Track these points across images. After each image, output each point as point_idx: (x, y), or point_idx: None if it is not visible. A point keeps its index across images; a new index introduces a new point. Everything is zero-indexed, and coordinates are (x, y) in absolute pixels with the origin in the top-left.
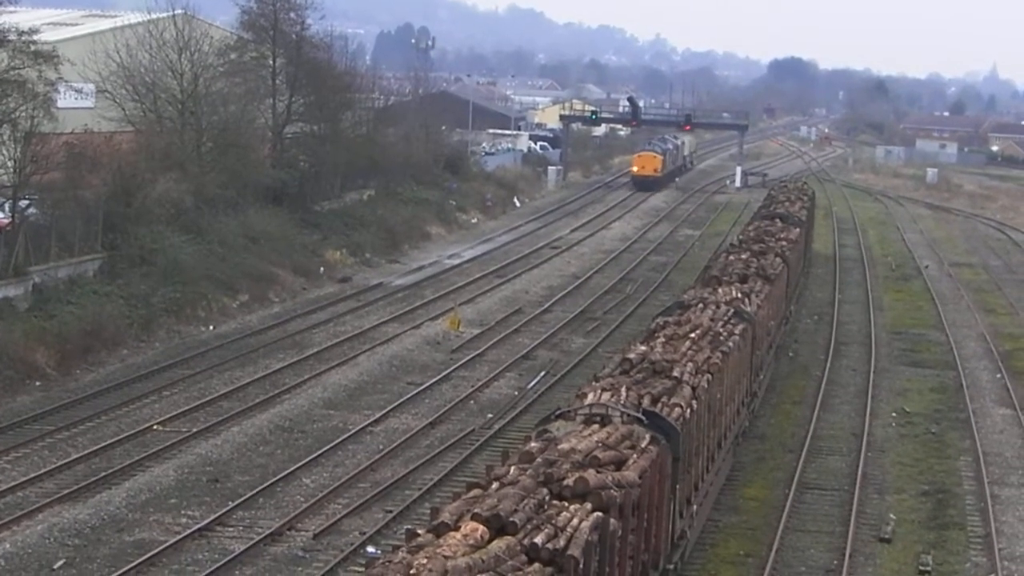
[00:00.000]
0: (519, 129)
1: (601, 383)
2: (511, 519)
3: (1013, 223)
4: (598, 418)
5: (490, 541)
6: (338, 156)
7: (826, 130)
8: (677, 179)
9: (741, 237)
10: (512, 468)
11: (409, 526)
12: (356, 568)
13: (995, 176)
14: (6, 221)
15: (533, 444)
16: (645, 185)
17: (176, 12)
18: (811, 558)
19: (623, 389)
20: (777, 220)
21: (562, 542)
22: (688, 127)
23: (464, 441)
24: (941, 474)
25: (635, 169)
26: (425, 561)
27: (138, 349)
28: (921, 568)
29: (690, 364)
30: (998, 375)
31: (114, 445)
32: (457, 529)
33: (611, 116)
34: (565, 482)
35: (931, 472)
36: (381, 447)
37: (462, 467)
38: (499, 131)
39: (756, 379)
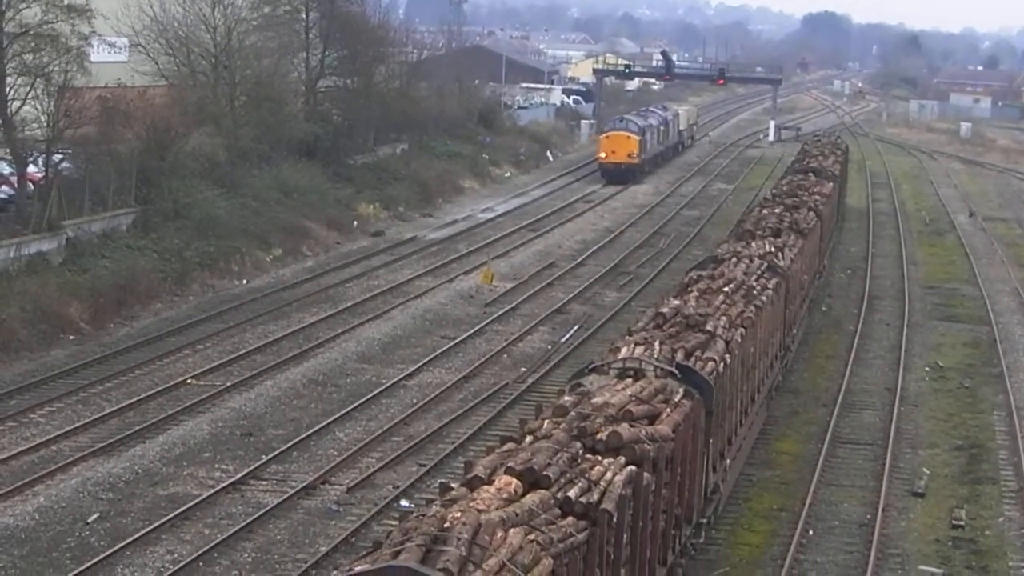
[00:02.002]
0: (552, 83)
1: (634, 337)
2: (545, 473)
3: None
4: (631, 372)
5: (524, 495)
6: (371, 110)
7: (859, 84)
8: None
9: (774, 191)
10: (546, 422)
11: (443, 480)
12: (390, 522)
13: None
14: (40, 175)
15: (567, 398)
16: (616, 176)
17: None
18: (844, 512)
19: (656, 343)
20: (810, 174)
21: (595, 496)
22: (721, 81)
23: (498, 395)
24: (974, 429)
25: (602, 155)
26: (459, 515)
27: (172, 303)
28: (954, 522)
29: (723, 318)
30: None
31: (148, 399)
32: (491, 483)
33: (644, 70)
34: (599, 436)
35: (964, 427)
36: (414, 401)
37: (495, 421)
38: (532, 85)
39: (789, 333)
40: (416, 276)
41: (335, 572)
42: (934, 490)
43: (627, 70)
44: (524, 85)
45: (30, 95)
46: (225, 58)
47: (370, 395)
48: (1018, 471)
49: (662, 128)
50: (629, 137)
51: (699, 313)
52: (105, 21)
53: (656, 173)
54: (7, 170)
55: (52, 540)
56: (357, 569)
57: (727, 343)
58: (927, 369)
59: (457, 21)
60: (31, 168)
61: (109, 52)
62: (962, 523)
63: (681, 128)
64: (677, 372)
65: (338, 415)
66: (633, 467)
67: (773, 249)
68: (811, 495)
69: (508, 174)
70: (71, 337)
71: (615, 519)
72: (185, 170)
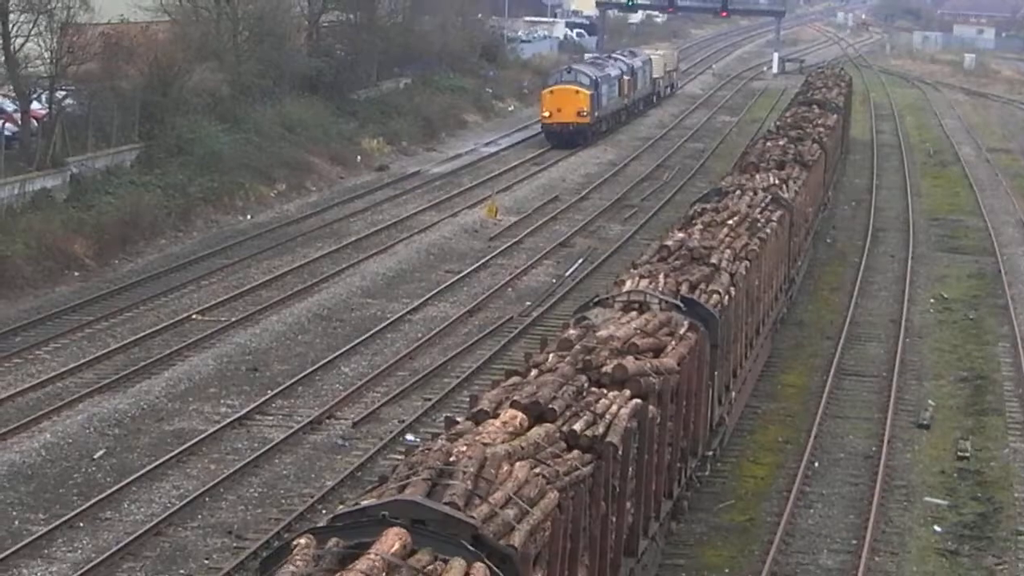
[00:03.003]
0: (555, 16)
1: (639, 270)
2: (550, 406)
3: None
4: (636, 305)
5: (529, 428)
6: (374, 44)
7: (863, 16)
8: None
9: (778, 123)
10: (551, 355)
11: (448, 414)
12: (395, 456)
13: None
14: (43, 112)
15: (571, 331)
16: (563, 139)
17: None
18: (850, 444)
19: (661, 276)
20: (814, 106)
21: (601, 429)
22: (724, 13)
23: (502, 329)
24: (979, 360)
25: (545, 114)
26: (464, 448)
27: (176, 239)
28: (960, 454)
29: (728, 251)
30: None
31: (153, 335)
32: (496, 416)
33: (647, 3)
34: (604, 369)
35: (969, 358)
36: (419, 335)
37: (500, 355)
38: (535, 19)
39: (794, 265)
40: (420, 210)
41: (341, 506)
42: (939, 422)
43: (630, 3)
44: (527, 19)
45: (33, 32)
46: None
47: (375, 330)
48: (1023, 402)
49: (626, 79)
50: (578, 92)
51: (704, 246)
52: None
53: (615, 135)
54: (10, 107)
55: (59, 476)
56: (363, 503)
57: (732, 276)
58: (932, 301)
59: None
60: (34, 105)
61: None
62: (967, 454)
63: (655, 76)
64: (682, 305)
65: (343, 350)
66: (638, 400)
67: (777, 181)
68: (816, 427)
69: (511, 108)
70: (76, 274)
71: (620, 452)
72: (188, 106)
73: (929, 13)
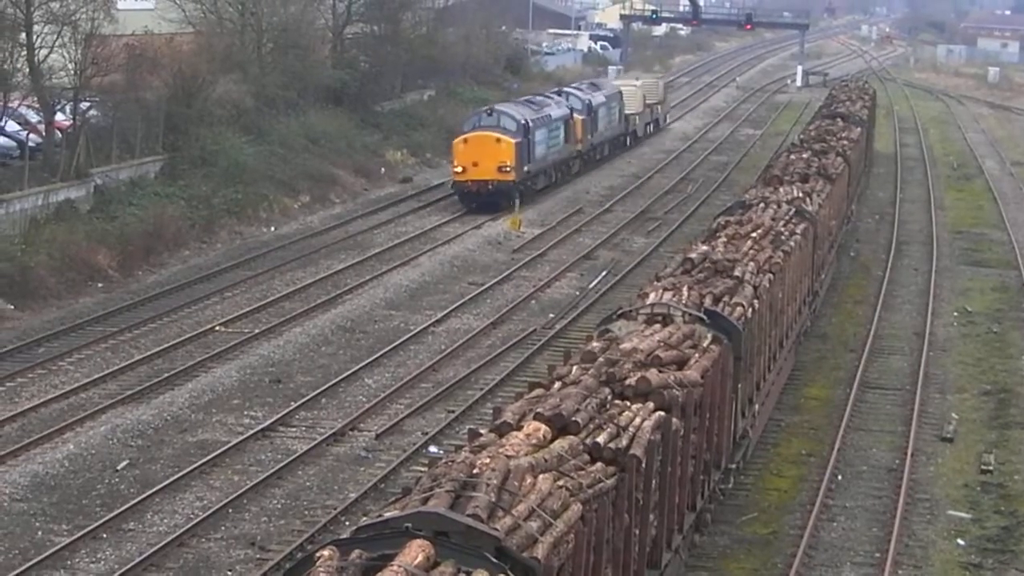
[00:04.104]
0: (579, 29)
1: (663, 282)
2: (573, 418)
3: None
4: (660, 317)
5: (552, 440)
6: (398, 56)
7: (887, 29)
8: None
9: (802, 136)
10: (574, 368)
11: (471, 426)
12: (419, 468)
13: None
14: (67, 123)
15: (595, 344)
16: (480, 200)
17: None
18: (873, 457)
19: (685, 288)
20: (838, 119)
21: (624, 441)
22: (749, 26)
23: (526, 341)
24: (1003, 373)
25: (457, 169)
26: (488, 460)
27: (200, 250)
28: (983, 467)
29: (752, 263)
30: None
31: (176, 346)
32: (519, 428)
33: (671, 15)
34: (627, 381)
35: (993, 371)
36: (443, 347)
37: (524, 367)
38: (559, 31)
39: (817, 278)
40: (444, 222)
41: (364, 518)
42: (963, 435)
43: (654, 16)
44: (551, 31)
45: (57, 43)
46: (252, 5)
47: (398, 341)
48: None
49: (579, 119)
50: (499, 140)
51: (727, 258)
52: None
53: (552, 194)
54: (35, 118)
55: (82, 487)
56: (387, 515)
57: (755, 288)
58: (955, 314)
59: None
60: (59, 116)
61: (136, 0)
62: (991, 468)
63: (630, 112)
64: (705, 317)
65: (366, 361)
66: (662, 412)
67: (801, 194)
68: (840, 440)
69: None
70: (99, 285)
71: (644, 465)
72: (212, 117)
73: (953, 26)
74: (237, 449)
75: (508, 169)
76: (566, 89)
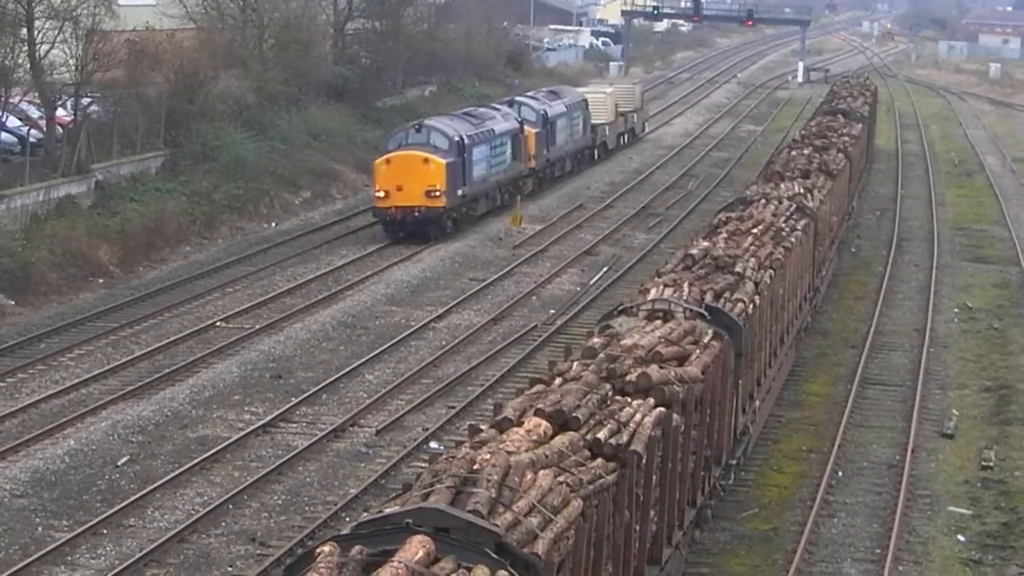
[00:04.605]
0: (581, 25)
1: (663, 278)
2: (574, 414)
3: None
4: (661, 313)
5: (553, 436)
6: (399, 52)
7: (888, 25)
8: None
9: (803, 132)
10: (575, 364)
11: (472, 422)
12: (419, 463)
13: None
14: (68, 119)
15: (596, 340)
16: (408, 231)
17: None
18: (873, 453)
19: (685, 284)
20: (839, 115)
21: (625, 437)
22: (750, 22)
23: (526, 337)
24: (1003, 370)
25: (380, 194)
26: (488, 456)
27: (201, 246)
28: (984, 463)
29: (752, 259)
30: None
31: (177, 342)
32: (520, 424)
33: (673, 11)
34: (628, 377)
35: (993, 368)
36: (443, 343)
37: (524, 363)
38: (561, 27)
39: (818, 274)
40: None
41: (365, 514)
42: (963, 431)
43: (655, 12)
44: (553, 27)
45: (58, 39)
46: (253, 1)
47: (399, 337)
48: None
49: (534, 132)
50: (427, 160)
51: (728, 254)
52: None
53: (551, 195)
54: (36, 114)
55: (82, 483)
56: (387, 511)
57: (756, 284)
58: (956, 310)
59: None
60: (60, 112)
61: None
62: (991, 464)
63: (599, 122)
64: (706, 313)
65: (367, 357)
66: (662, 408)
67: (802, 190)
68: (840, 436)
69: None
70: (100, 280)
71: (644, 460)
72: (214, 113)
73: (954, 23)
74: (238, 445)
75: (438, 194)
76: (518, 99)
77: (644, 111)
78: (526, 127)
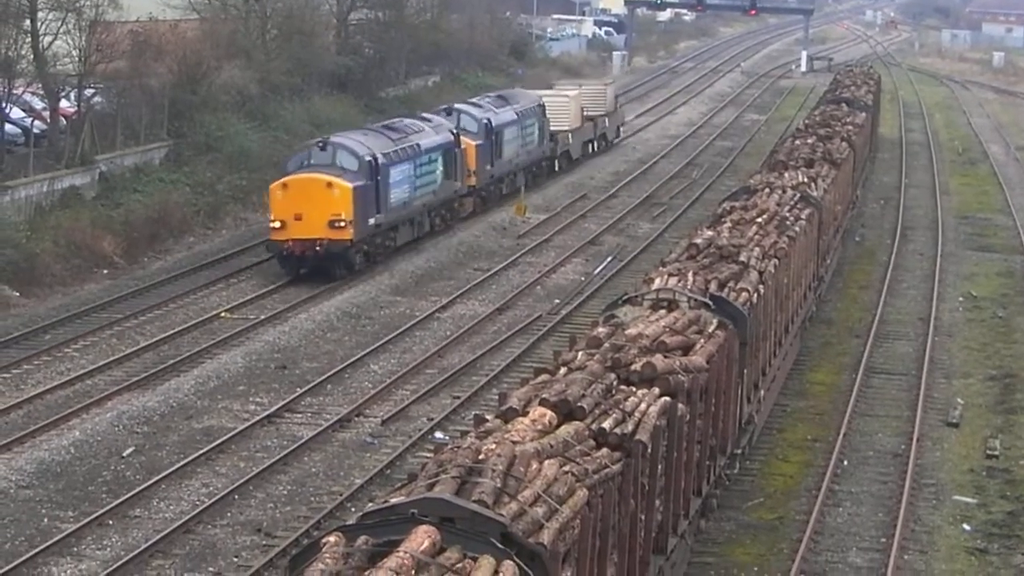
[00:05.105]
0: (584, 14)
1: (668, 268)
2: (579, 404)
3: None
4: (665, 303)
5: (558, 426)
6: (402, 42)
7: (892, 14)
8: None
9: (807, 122)
10: (580, 353)
11: (477, 412)
12: (424, 454)
13: None
14: (72, 110)
15: (600, 329)
16: (310, 267)
17: None
18: (879, 442)
19: (690, 274)
20: (843, 104)
21: (630, 427)
22: (753, 12)
23: (531, 327)
24: (1008, 358)
25: (275, 224)
26: (494, 446)
27: (204, 236)
28: (988, 452)
29: (757, 249)
30: None
31: (182, 333)
32: (525, 414)
33: (676, 1)
34: (633, 367)
35: (998, 356)
36: (448, 333)
37: (529, 353)
38: (564, 16)
39: (823, 263)
40: None
41: (370, 504)
42: (968, 420)
43: (659, 1)
44: (555, 16)
45: (61, 30)
46: None
47: (404, 327)
48: None
49: (474, 144)
50: (331, 184)
51: (732, 244)
52: None
53: (554, 185)
54: (39, 105)
55: (88, 474)
56: (392, 501)
57: (760, 274)
58: (961, 299)
59: None
60: (63, 103)
61: None
62: (996, 453)
63: (559, 129)
64: (711, 303)
65: (372, 348)
66: (667, 398)
67: (806, 179)
68: (845, 425)
69: None
70: (104, 271)
71: (649, 450)
72: (217, 103)
73: (958, 11)
74: (243, 435)
75: (343, 224)
76: (457, 107)
77: (618, 114)
78: (465, 139)
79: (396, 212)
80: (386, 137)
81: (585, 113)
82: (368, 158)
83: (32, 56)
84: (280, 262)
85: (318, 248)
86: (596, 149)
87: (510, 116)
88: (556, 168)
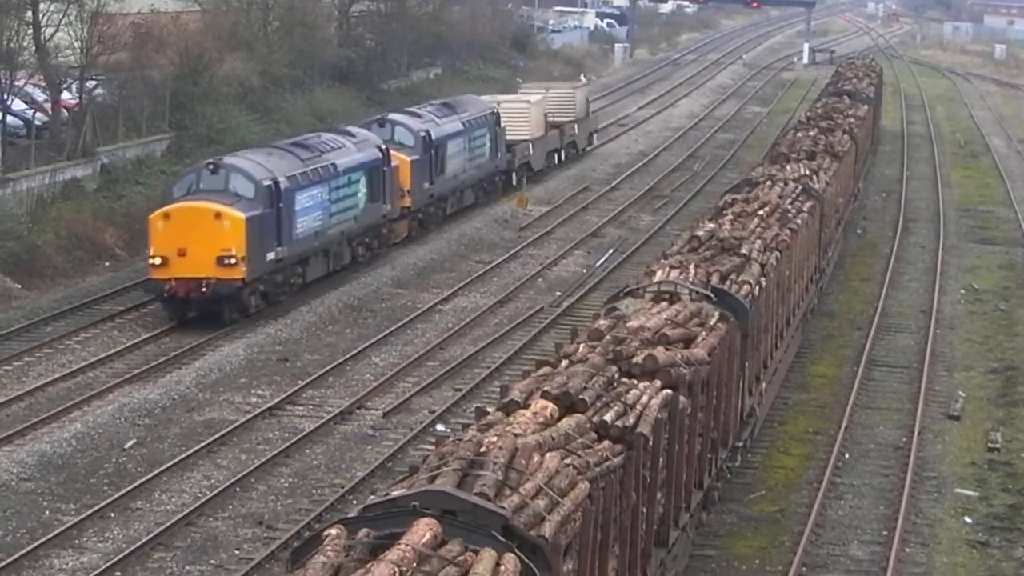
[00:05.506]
0: (586, 6)
1: (670, 260)
2: (581, 397)
3: None
4: (667, 295)
5: (560, 419)
6: (404, 34)
7: (893, 7)
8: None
9: (809, 114)
10: (581, 346)
11: (478, 404)
12: (426, 446)
13: None
14: (73, 102)
15: (602, 322)
16: (191, 308)
17: None
18: (880, 435)
19: (692, 266)
20: (845, 97)
21: (632, 420)
22: (755, 4)
23: (533, 319)
24: (1010, 351)
25: (155, 261)
26: (495, 439)
27: None
28: (990, 445)
29: (759, 241)
30: None
31: (183, 325)
32: (527, 407)
33: None
34: (634, 360)
35: (1000, 349)
36: (450, 325)
37: (531, 345)
38: (566, 8)
39: (824, 256)
40: None
41: (372, 497)
42: (970, 413)
43: None
44: (557, 8)
45: (63, 21)
46: None
47: (405, 320)
48: None
49: (410, 162)
50: (219, 215)
51: (734, 236)
52: None
53: (556, 177)
54: (41, 97)
55: (89, 466)
56: (394, 493)
57: (762, 266)
58: (962, 292)
59: None
60: (65, 95)
61: None
62: (998, 446)
63: (516, 138)
64: (712, 295)
65: (373, 340)
66: (669, 391)
67: (808, 172)
68: (847, 418)
69: None
70: (106, 263)
71: (651, 443)
72: (219, 95)
73: (960, 3)
74: (244, 428)
75: (233, 260)
76: (392, 117)
77: (591, 120)
78: (398, 155)
79: (304, 244)
80: (294, 156)
81: (550, 120)
82: (267, 182)
83: (34, 48)
84: (163, 305)
85: (204, 289)
86: (563, 158)
87: (455, 127)
88: (513, 183)
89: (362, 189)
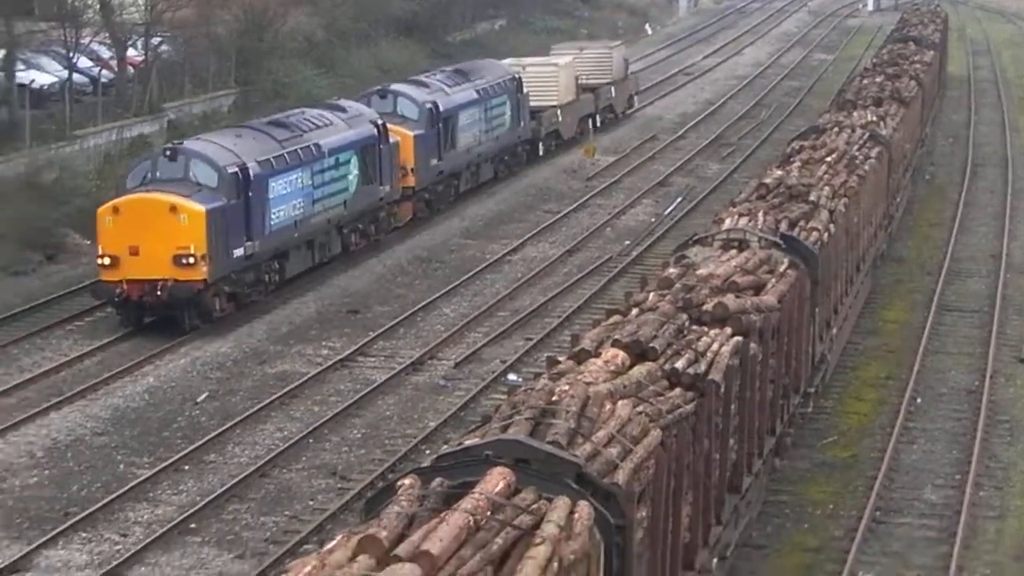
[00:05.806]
0: None
1: (738, 208)
2: (651, 345)
3: None
4: (736, 243)
5: (631, 367)
6: None
7: None
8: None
9: (875, 60)
10: (651, 294)
11: (549, 353)
12: (497, 396)
13: None
14: (139, 59)
15: (671, 270)
16: (146, 312)
17: None
18: (952, 379)
19: (760, 214)
20: (911, 43)
21: (703, 367)
22: None
23: (602, 268)
24: None
25: (104, 261)
26: (567, 387)
27: None
28: None
29: (827, 188)
30: None
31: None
32: (598, 355)
33: None
34: (704, 307)
35: None
36: (519, 276)
37: (600, 294)
38: None
39: (893, 202)
40: None
41: (445, 446)
42: None
43: None
44: None
45: None
46: None
47: (475, 271)
48: None
49: (413, 137)
50: (175, 208)
51: (802, 183)
52: None
53: (623, 126)
54: (107, 54)
55: (162, 420)
56: (467, 443)
57: (831, 213)
58: None
59: None
60: (130, 52)
61: None
62: None
63: (541, 104)
64: (782, 242)
65: (443, 291)
66: (740, 337)
67: (875, 118)
68: (918, 363)
69: None
70: None
71: (722, 390)
72: (284, 50)
73: None
74: (316, 380)
75: (192, 260)
76: (395, 88)
77: (629, 82)
78: (399, 129)
79: (280, 236)
80: (268, 138)
81: (583, 83)
82: (233, 169)
83: (99, 6)
84: (115, 308)
85: (159, 292)
86: (599, 124)
87: (467, 96)
88: (540, 152)
89: (353, 171)
